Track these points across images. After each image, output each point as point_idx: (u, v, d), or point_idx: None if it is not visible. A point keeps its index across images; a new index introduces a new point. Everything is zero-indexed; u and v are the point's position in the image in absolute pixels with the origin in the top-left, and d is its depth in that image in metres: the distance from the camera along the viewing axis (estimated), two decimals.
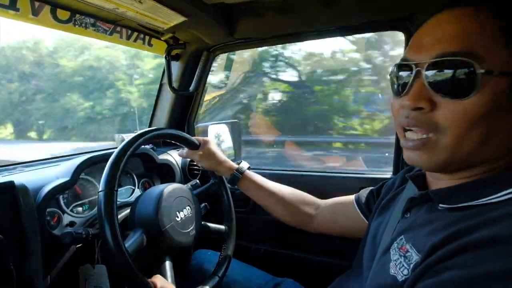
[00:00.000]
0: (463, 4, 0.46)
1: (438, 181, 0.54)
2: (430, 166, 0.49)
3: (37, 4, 0.79)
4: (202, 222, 0.93)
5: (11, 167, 0.92)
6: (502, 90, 0.43)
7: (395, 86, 0.52)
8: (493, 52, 0.43)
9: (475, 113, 0.43)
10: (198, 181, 1.14)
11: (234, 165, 0.97)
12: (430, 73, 0.46)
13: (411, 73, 0.48)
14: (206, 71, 1.31)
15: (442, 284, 0.39)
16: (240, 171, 0.96)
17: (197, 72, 1.29)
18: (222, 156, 0.98)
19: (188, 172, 1.27)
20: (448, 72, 0.44)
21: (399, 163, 1.08)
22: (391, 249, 0.52)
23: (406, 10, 0.90)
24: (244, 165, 0.98)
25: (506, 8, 0.43)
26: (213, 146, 0.97)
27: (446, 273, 0.39)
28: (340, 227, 0.89)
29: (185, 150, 0.98)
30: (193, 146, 0.96)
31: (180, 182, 1.21)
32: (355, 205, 0.83)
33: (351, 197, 0.86)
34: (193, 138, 0.96)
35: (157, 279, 0.73)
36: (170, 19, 0.92)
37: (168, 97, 1.35)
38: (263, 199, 0.96)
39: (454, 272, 0.38)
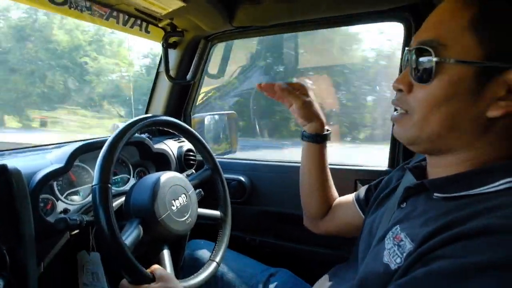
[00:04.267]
0: None
1: (435, 171, 0.54)
2: (403, 137, 0.55)
3: None
4: (198, 209, 0.93)
5: (3, 152, 0.90)
6: (461, 78, 0.45)
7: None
8: (457, 41, 0.45)
9: (434, 98, 0.48)
10: (194, 171, 1.14)
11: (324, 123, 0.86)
12: (412, 59, 0.50)
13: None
14: (203, 60, 1.29)
15: (432, 273, 0.39)
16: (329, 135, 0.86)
17: (194, 61, 1.28)
18: (319, 109, 0.85)
19: (184, 162, 1.26)
20: (417, 59, 0.49)
21: (394, 155, 1.09)
22: (385, 238, 0.52)
23: (406, 1, 0.90)
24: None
25: None
26: (311, 96, 0.84)
27: (437, 262, 0.39)
28: (339, 226, 0.88)
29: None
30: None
31: (176, 171, 1.20)
32: (355, 203, 0.83)
33: (351, 196, 0.86)
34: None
35: (156, 269, 0.72)
36: (168, 4, 0.90)
37: (164, 85, 1.33)
38: (316, 175, 0.88)
39: (444, 262, 0.38)
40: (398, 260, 0.47)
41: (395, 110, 0.58)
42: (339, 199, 0.90)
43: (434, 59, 0.46)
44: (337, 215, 0.88)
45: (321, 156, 0.86)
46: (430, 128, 0.49)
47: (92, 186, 0.68)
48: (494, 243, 0.36)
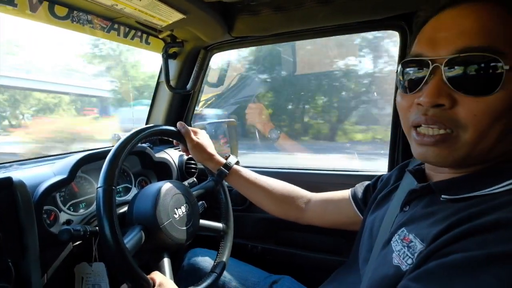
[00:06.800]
0: None
1: (438, 174, 0.54)
2: (447, 161, 0.48)
3: (34, 0, 0.78)
4: (200, 220, 0.93)
5: (7, 164, 0.90)
6: None
7: (405, 82, 0.51)
8: None
9: (498, 110, 0.43)
10: (195, 179, 1.14)
11: (222, 160, 0.95)
12: (450, 69, 0.44)
13: (427, 69, 0.47)
14: (203, 70, 1.31)
15: (445, 264, 0.39)
16: (227, 166, 0.94)
17: (194, 71, 1.29)
18: (211, 150, 0.95)
19: (185, 171, 1.27)
20: (471, 69, 0.43)
21: (394, 159, 1.09)
22: (392, 241, 0.52)
23: (401, 9, 0.91)
24: (232, 159, 0.96)
25: None
26: (203, 138, 0.95)
27: (450, 256, 0.39)
28: (331, 220, 0.89)
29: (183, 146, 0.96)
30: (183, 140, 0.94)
31: (177, 180, 1.21)
32: (351, 200, 0.84)
33: (346, 192, 0.87)
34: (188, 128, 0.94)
35: (156, 275, 0.73)
36: (168, 16, 0.92)
37: (165, 95, 1.34)
38: (252, 193, 0.96)
39: (457, 255, 0.38)
40: (410, 261, 0.46)
41: (416, 127, 0.50)
42: (331, 194, 0.90)
43: (506, 67, 0.41)
44: (330, 210, 0.88)
45: (243, 178, 0.95)
46: (486, 144, 0.45)
47: (97, 188, 0.69)
48: (506, 236, 0.37)
